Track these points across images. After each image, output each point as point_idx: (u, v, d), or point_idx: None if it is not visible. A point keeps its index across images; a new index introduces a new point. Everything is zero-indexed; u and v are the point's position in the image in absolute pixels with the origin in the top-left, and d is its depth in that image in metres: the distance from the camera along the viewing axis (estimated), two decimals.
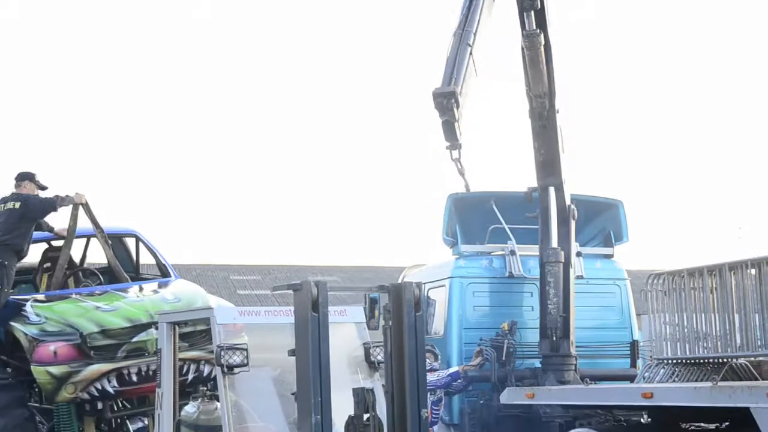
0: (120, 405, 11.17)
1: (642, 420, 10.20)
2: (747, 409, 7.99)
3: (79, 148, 52.28)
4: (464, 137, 10.31)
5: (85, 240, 12.50)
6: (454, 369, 11.69)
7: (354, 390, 6.89)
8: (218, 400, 7.81)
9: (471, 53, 10.44)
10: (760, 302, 8.98)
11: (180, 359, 8.80)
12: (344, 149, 61.50)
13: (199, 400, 8.24)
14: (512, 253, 12.55)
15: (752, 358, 9.70)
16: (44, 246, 12.51)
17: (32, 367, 10.45)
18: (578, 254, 12.28)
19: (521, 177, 12.34)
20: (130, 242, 12.85)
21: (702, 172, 57.46)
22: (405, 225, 56.11)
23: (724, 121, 55.31)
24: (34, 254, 12.21)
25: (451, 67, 10.26)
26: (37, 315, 10.79)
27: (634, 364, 12.42)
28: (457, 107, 10.04)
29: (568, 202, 11.98)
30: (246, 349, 7.48)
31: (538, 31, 11.19)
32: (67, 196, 11.53)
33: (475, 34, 10.52)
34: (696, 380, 9.72)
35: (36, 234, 11.70)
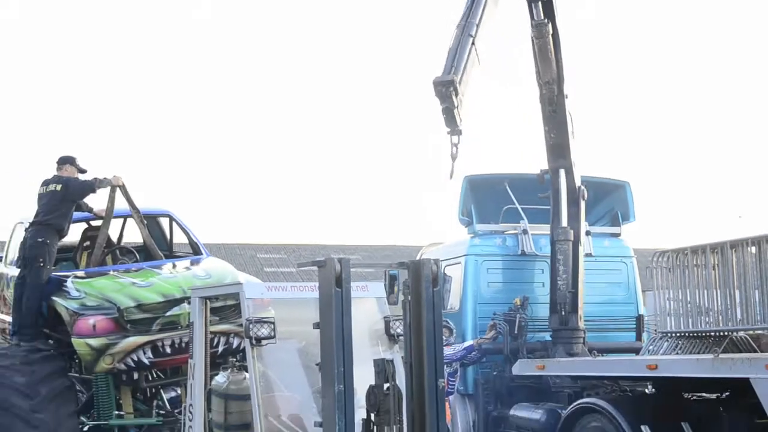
0: (154, 375, 11.22)
1: (647, 390, 10.19)
2: (747, 379, 7.98)
3: (102, 142, 52.31)
4: (464, 124, 10.28)
5: (122, 220, 12.55)
6: (468, 343, 11.70)
7: (375, 361, 6.89)
8: (247, 371, 7.82)
9: (473, 43, 10.39)
10: (759, 279, 8.95)
11: (211, 332, 8.81)
12: (366, 136, 61.50)
13: (229, 370, 8.25)
14: (524, 232, 12.54)
15: (752, 332, 9.67)
16: (84, 226, 12.58)
17: (72, 340, 10.51)
18: (587, 233, 12.27)
19: (534, 160, 12.32)
20: (164, 222, 12.89)
21: (706, 163, 57.32)
22: (423, 206, 56.16)
23: (725, 113, 55.01)
24: (74, 233, 12.29)
25: (452, 57, 10.23)
26: (78, 290, 10.84)
27: (639, 338, 12.40)
28: (456, 95, 10.01)
29: (578, 183, 11.94)
30: (273, 323, 7.47)
31: (546, 20, 11.16)
32: (105, 178, 11.57)
33: (478, 26, 10.47)
34: (698, 352, 9.70)
35: (76, 214, 11.75)
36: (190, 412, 8.08)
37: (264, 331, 7.43)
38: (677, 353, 9.93)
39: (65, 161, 11.61)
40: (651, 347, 10.53)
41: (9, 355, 10.76)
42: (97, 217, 12.10)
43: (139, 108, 60.10)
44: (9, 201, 48.71)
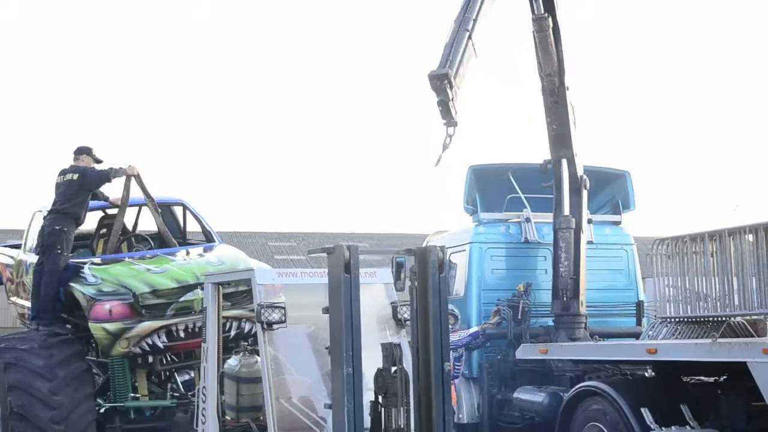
0: (169, 359, 11.22)
1: (646, 374, 10.18)
2: (744, 363, 7.98)
3: (109, 139, 52.35)
4: (459, 116, 10.28)
5: (137, 208, 12.54)
6: (474, 329, 11.72)
7: (382, 345, 6.89)
8: (258, 354, 7.82)
9: (470, 37, 10.39)
10: (756, 266, 8.93)
11: (223, 317, 8.81)
12: (373, 129, 61.46)
13: (241, 354, 8.26)
14: (527, 220, 12.51)
15: (749, 317, 9.66)
16: (100, 214, 12.57)
17: (89, 324, 10.52)
18: (589, 221, 12.25)
19: (537, 151, 12.30)
20: (178, 211, 12.88)
21: (704, 155, 57.24)
22: (428, 195, 56.16)
23: (723, 107, 54.88)
24: (91, 221, 12.29)
25: (448, 51, 10.24)
26: (94, 276, 10.85)
27: (639, 323, 12.38)
28: (451, 88, 10.03)
29: (580, 172, 11.91)
30: (284, 308, 7.47)
31: (546, 14, 11.14)
32: (120, 168, 11.57)
33: (475, 20, 10.46)
34: (697, 337, 9.69)
35: (93, 203, 11.76)
36: (204, 395, 8.09)
37: (275, 315, 7.43)
38: (676, 338, 9.92)
39: (82, 151, 11.60)
40: (651, 332, 10.52)
41: (28, 339, 10.79)
42: (113, 205, 12.10)
43: (149, 105, 60.15)
44: (8, 201, 48.93)
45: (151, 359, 10.73)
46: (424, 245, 7.46)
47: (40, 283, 11.09)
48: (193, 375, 11.33)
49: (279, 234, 38.58)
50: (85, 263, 11.18)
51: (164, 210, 12.48)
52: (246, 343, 8.95)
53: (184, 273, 10.84)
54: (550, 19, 11.14)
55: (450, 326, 9.68)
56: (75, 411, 10.17)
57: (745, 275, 9.11)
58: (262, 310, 7.42)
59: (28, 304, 11.67)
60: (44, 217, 11.43)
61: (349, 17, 61.07)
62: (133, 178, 11.63)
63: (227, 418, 8.09)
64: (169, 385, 11.23)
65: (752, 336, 9.67)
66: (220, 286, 8.37)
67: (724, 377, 9.23)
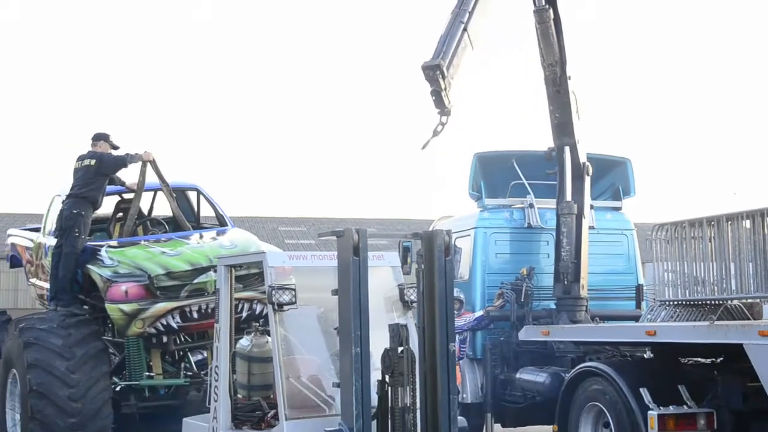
0: (182, 339, 11.25)
1: (645, 355, 10.15)
2: (740, 345, 7.95)
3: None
4: (453, 105, 10.28)
5: (152, 193, 12.56)
6: (479, 313, 11.72)
7: (390, 326, 6.89)
8: (269, 335, 7.82)
9: (465, 29, 10.36)
10: (753, 251, 8.87)
11: (235, 298, 8.81)
12: (379, 116, 61.41)
13: (252, 334, 8.25)
14: (531, 206, 12.48)
15: (745, 301, 9.61)
16: (117, 198, 12.59)
17: (106, 305, 10.55)
18: (590, 207, 12.21)
19: (542, 138, 12.26)
20: (192, 195, 12.90)
21: (703, 142, 57.09)
22: (434, 181, 56.14)
23: (721, 96, 54.70)
24: (107, 206, 12.30)
25: (442, 43, 10.23)
26: (111, 259, 10.87)
27: (639, 306, 12.34)
28: (443, 78, 10.02)
29: (582, 159, 11.86)
30: (294, 289, 7.46)
31: (547, 6, 11.09)
32: (136, 154, 11.59)
33: (470, 12, 10.43)
34: (695, 320, 9.64)
35: (109, 188, 11.78)
36: (216, 374, 8.09)
37: (285, 297, 7.42)
38: (675, 321, 9.88)
39: (99, 137, 11.62)
40: (650, 315, 10.48)
41: (47, 319, 10.82)
42: (129, 190, 12.11)
43: (160, 97, 60.14)
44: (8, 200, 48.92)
45: (165, 339, 10.76)
46: (430, 229, 7.43)
47: (58, 265, 11.12)
48: (205, 355, 11.36)
49: (290, 219, 38.60)
50: (102, 246, 11.20)
51: (179, 195, 12.49)
52: (257, 324, 8.94)
53: (198, 256, 10.85)
54: (551, 11, 11.10)
55: (455, 311, 9.69)
56: (92, 389, 10.20)
57: (742, 260, 9.05)
58: (273, 292, 7.41)
59: (46, 285, 11.70)
60: (63, 201, 11.46)
61: (354, 8, 60.96)
62: (148, 164, 11.66)
63: (239, 396, 8.08)
64: (182, 365, 11.26)
65: (748, 319, 9.62)
66: (233, 269, 8.36)
67: (721, 359, 9.20)
